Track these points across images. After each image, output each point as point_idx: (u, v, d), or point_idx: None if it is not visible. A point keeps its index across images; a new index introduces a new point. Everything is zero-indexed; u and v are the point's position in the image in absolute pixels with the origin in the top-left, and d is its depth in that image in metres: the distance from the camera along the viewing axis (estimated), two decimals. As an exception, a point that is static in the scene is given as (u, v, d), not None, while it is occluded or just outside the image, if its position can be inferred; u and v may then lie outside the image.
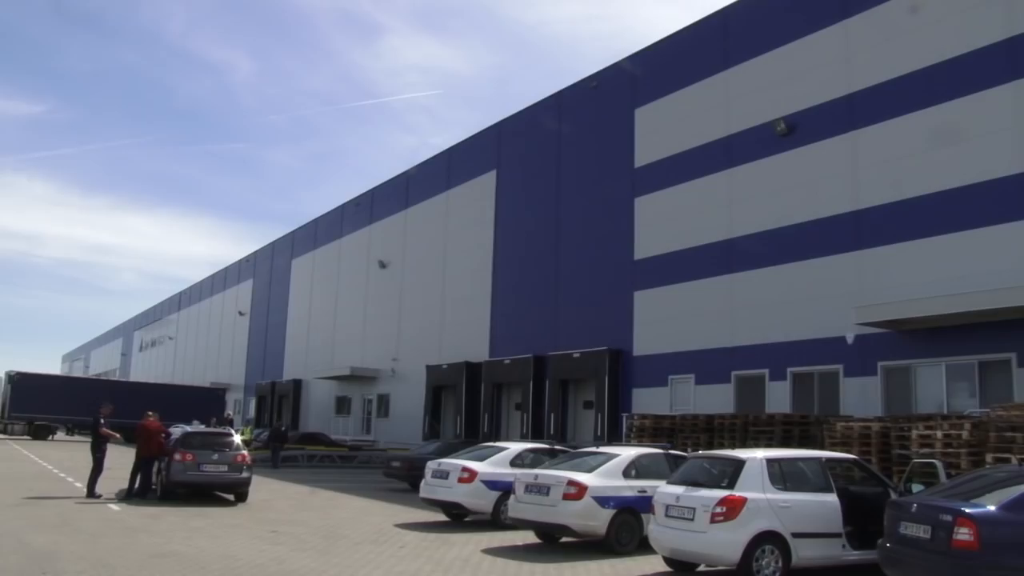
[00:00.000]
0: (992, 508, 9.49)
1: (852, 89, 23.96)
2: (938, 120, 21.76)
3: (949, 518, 9.44)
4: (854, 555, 11.99)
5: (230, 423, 41.35)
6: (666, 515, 12.11)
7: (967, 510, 9.43)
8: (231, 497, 20.79)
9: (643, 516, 13.95)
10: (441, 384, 40.09)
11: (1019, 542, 9.22)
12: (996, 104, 20.74)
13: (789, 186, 25.22)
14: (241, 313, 69.57)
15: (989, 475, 11.08)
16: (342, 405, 51.23)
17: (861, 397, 22.25)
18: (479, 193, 39.96)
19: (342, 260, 53.73)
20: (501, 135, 39.62)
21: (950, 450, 15.04)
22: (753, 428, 20.51)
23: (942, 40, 21.94)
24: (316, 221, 59.10)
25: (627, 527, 14.39)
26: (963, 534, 9.22)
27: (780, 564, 11.49)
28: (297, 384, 56.64)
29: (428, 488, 18.38)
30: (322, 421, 51.52)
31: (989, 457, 14.22)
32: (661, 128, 30.22)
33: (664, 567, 12.73)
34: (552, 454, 18.19)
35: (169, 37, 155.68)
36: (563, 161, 35.07)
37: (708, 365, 26.89)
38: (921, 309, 20.48)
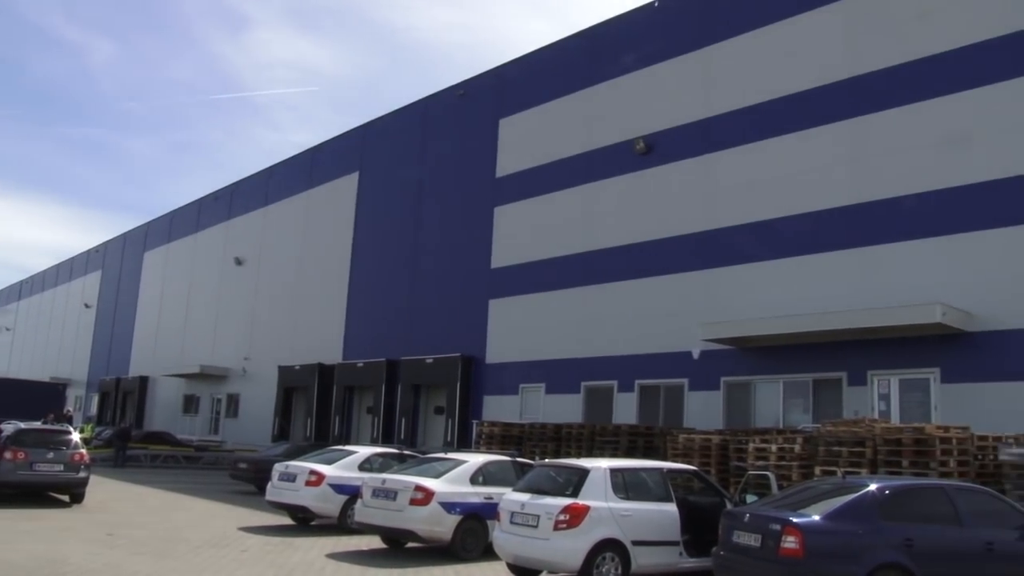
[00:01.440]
0: (817, 518, 10.02)
1: (710, 113, 24.85)
2: (783, 149, 22.87)
3: (778, 527, 9.89)
4: (690, 562, 12.39)
5: (69, 420, 39.56)
6: (511, 522, 12.26)
7: (794, 520, 9.92)
8: (66, 498, 19.91)
9: (489, 523, 14.06)
10: (293, 385, 39.44)
11: (840, 550, 9.77)
12: (835, 139, 21.95)
13: (645, 203, 25.94)
14: (87, 305, 66.61)
15: (816, 487, 11.65)
16: (190, 404, 49.71)
17: (704, 410, 23.05)
18: (340, 194, 39.54)
19: (197, 255, 52.18)
20: (366, 137, 39.32)
21: (783, 463, 15.71)
22: (600, 438, 20.90)
23: (793, 73, 23.05)
24: (172, 214, 57.21)
25: (472, 533, 14.49)
26: (790, 542, 9.68)
27: (620, 571, 11.78)
28: (143, 381, 54.65)
29: (274, 491, 18.05)
30: (168, 420, 49.83)
31: (817, 470, 14.90)
32: (524, 140, 30.64)
33: (508, 574, 12.86)
34: (401, 459, 18.15)
35: (21, 10, 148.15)
36: (426, 167, 35.08)
37: (559, 375, 27.35)
38: (762, 328, 21.44)
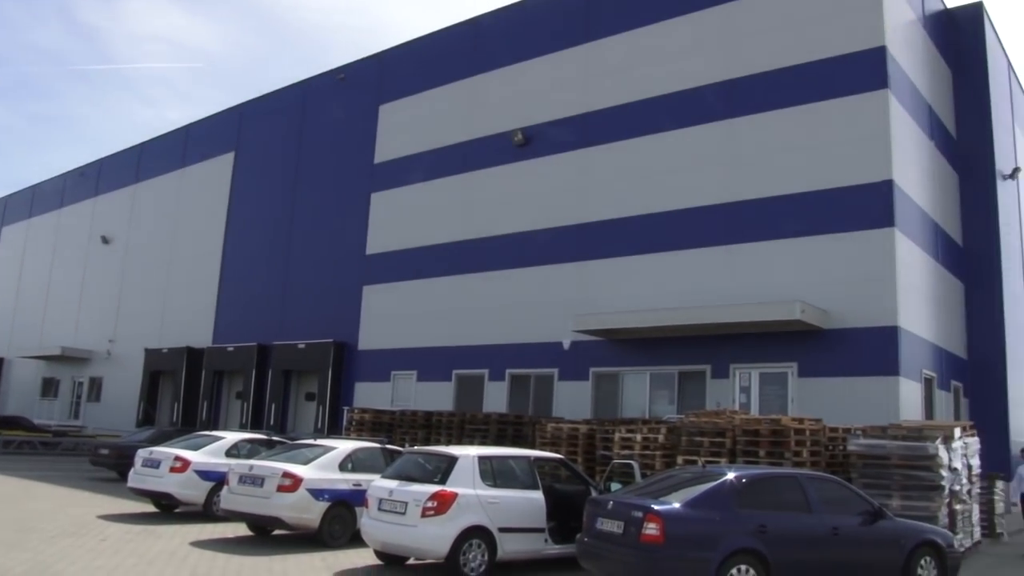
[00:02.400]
0: (677, 506, 10.39)
1: (588, 109, 25.29)
2: (658, 147, 23.51)
3: (639, 514, 10.21)
4: (555, 549, 12.65)
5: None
6: (379, 509, 12.29)
7: (655, 507, 10.26)
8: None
9: (357, 509, 14.04)
10: (160, 369, 38.34)
11: (698, 535, 10.17)
12: (706, 138, 22.68)
13: (521, 195, 26.23)
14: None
15: (677, 475, 12.07)
16: (49, 387, 47.67)
17: (573, 400, 23.51)
18: (215, 174, 38.54)
19: (61, 232, 49.98)
20: (243, 117, 38.44)
21: (647, 452, 16.15)
22: (470, 426, 21.08)
23: (670, 73, 23.70)
24: (34, 188, 54.56)
25: (340, 520, 14.44)
26: (651, 529, 10.01)
27: (486, 558, 11.96)
28: (-3, 362, 52.22)
29: (137, 477, 17.56)
30: (25, 404, 47.67)
31: (680, 459, 15.40)
32: (404, 126, 30.53)
33: (375, 560, 12.91)
34: (270, 445, 17.91)
35: None
36: (304, 150, 34.56)
37: (431, 363, 27.44)
38: (630, 321, 22.01)
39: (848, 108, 20.66)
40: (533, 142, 26.27)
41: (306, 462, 14.69)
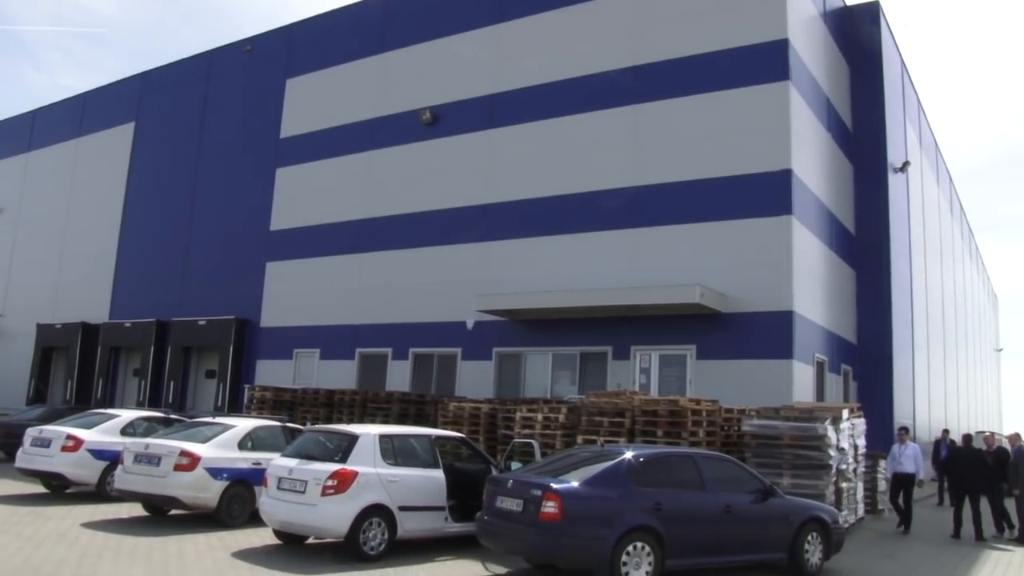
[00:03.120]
0: (575, 484, 10.57)
1: (498, 89, 25.32)
2: (565, 130, 23.70)
3: (538, 493, 10.37)
4: (455, 527, 12.74)
5: None
6: (278, 488, 12.19)
7: (553, 486, 10.42)
8: None
9: (256, 488, 13.86)
10: (52, 345, 37.12)
11: (595, 513, 10.37)
12: (613, 123, 22.95)
13: (429, 174, 26.16)
14: None
15: (577, 455, 12.30)
16: (-68, 362, 45.79)
17: (476, 380, 23.64)
18: (114, 145, 37.33)
19: (-55, 201, 47.90)
20: (144, 87, 37.30)
21: (548, 432, 16.37)
22: (372, 405, 21.01)
23: (580, 56, 23.87)
24: (-88, 153, 52.20)
25: (239, 499, 14.26)
26: (549, 507, 10.18)
27: (386, 536, 11.96)
28: None
29: (26, 457, 16.97)
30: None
31: (580, 439, 15.67)
32: (311, 101, 30.10)
33: (274, 540, 12.80)
34: (167, 423, 17.55)
35: None
36: (208, 122, 33.78)
37: (334, 341, 27.25)
38: (534, 302, 22.25)
39: (750, 98, 21.15)
40: (441, 121, 26.20)
41: (204, 441, 14.45)
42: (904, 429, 19.34)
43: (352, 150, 28.28)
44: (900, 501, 17.74)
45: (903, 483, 17.83)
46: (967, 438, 19.21)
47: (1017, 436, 18.43)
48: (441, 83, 26.53)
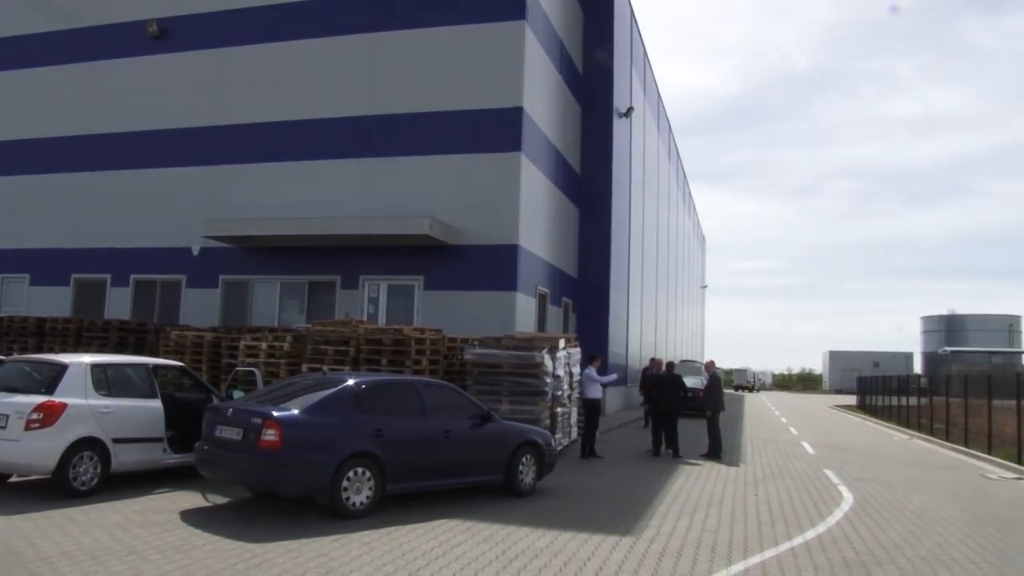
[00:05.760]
0: (296, 412, 10.56)
1: (229, 7, 24.22)
2: (300, 54, 23.13)
3: (259, 421, 10.27)
4: (174, 458, 12.41)
5: None
6: (-25, 422, 11.37)
7: (274, 413, 10.35)
8: None
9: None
10: None
11: (316, 440, 10.40)
12: (349, 50, 22.67)
13: (155, 91, 24.73)
14: None
15: (299, 383, 12.25)
16: None
17: (201, 307, 22.96)
18: None
19: None
20: None
21: (273, 360, 16.20)
22: (88, 334, 19.92)
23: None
24: None
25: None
26: (269, 435, 10.10)
27: (99, 470, 11.43)
28: None
29: None
30: None
31: (304, 367, 15.63)
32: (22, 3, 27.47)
33: (-35, 480, 11.95)
34: None
35: None
36: None
37: (46, 266, 25.46)
38: (262, 229, 21.80)
39: (487, 35, 21.51)
40: (170, 36, 24.77)
41: None
42: (593, 356, 18.83)
43: (72, 59, 26.12)
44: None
45: (590, 408, 17.95)
46: (670, 365, 20.81)
47: (712, 363, 20.22)
48: (169, -6, 25.02)
